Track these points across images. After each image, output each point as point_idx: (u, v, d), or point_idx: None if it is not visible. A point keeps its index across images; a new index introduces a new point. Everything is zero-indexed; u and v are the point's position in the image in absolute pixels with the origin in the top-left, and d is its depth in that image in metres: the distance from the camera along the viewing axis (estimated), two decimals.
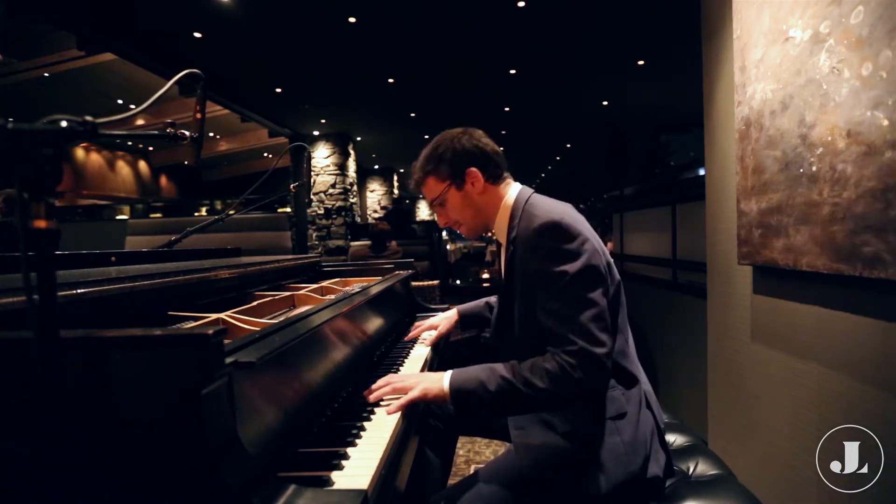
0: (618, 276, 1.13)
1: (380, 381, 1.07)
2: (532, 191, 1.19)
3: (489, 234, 1.27)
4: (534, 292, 1.05)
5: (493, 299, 1.60)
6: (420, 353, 1.46)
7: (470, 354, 1.83)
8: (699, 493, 1.04)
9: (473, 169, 1.16)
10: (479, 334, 3.50)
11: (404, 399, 1.01)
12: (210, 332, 0.58)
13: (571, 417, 1.06)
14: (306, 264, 1.99)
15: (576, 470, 1.02)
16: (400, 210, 4.78)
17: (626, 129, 9.20)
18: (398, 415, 0.97)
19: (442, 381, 1.04)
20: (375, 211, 12.34)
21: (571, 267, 1.01)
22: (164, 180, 14.17)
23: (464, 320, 1.65)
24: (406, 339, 1.61)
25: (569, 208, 1.12)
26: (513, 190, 1.20)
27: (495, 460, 1.11)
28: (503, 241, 1.19)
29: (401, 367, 1.33)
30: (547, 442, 1.06)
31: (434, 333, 1.61)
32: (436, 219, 1.28)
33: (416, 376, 1.08)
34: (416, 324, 1.66)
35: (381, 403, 1.03)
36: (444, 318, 1.64)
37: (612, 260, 1.13)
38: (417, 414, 1.07)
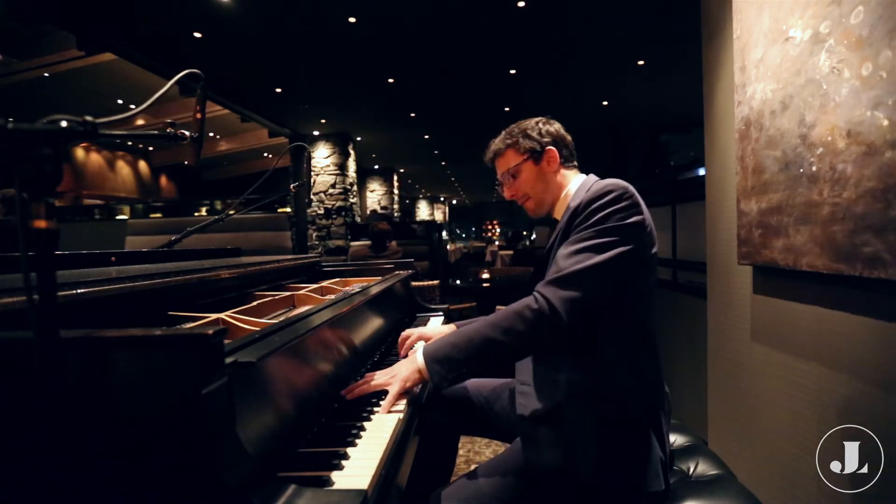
0: (656, 274, 1.15)
1: (359, 382, 1.07)
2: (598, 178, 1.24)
3: (548, 215, 1.30)
4: (568, 237, 1.09)
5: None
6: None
7: None
8: (699, 493, 1.03)
9: (553, 149, 1.24)
10: None
11: (389, 398, 1.01)
12: (210, 332, 0.58)
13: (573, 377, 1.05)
14: (306, 264, 1.99)
15: (581, 466, 1.01)
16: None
17: (626, 129, 9.22)
18: (398, 415, 0.97)
19: (416, 362, 1.06)
20: (385, 208, 12.34)
21: (618, 218, 1.05)
22: (164, 180, 14.17)
23: None
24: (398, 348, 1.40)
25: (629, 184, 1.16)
26: (580, 175, 1.27)
27: (498, 457, 1.11)
28: (560, 215, 1.23)
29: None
30: (554, 436, 1.04)
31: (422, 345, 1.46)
32: (502, 191, 1.32)
33: (392, 370, 1.08)
34: (405, 333, 1.40)
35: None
36: (438, 332, 1.39)
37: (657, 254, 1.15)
38: (418, 413, 1.07)
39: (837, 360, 1.24)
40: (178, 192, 14.51)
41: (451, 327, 1.43)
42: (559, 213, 1.24)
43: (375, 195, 12.69)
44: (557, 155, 1.25)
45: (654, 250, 1.11)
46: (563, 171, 1.27)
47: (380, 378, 1.07)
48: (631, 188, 1.10)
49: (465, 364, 1.03)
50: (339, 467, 0.75)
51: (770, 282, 1.55)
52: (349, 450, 0.81)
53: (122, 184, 12.74)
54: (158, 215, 10.32)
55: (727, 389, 1.84)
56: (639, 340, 1.09)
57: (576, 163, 1.30)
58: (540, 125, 1.27)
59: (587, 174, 1.27)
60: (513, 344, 1.01)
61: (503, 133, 1.30)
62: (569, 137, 1.30)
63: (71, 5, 4.21)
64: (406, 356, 1.29)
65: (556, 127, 1.29)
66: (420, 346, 1.09)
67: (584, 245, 1.05)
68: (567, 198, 1.23)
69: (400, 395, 1.03)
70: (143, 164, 13.46)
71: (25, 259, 0.46)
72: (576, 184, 1.24)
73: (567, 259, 1.05)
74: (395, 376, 1.05)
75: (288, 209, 8.65)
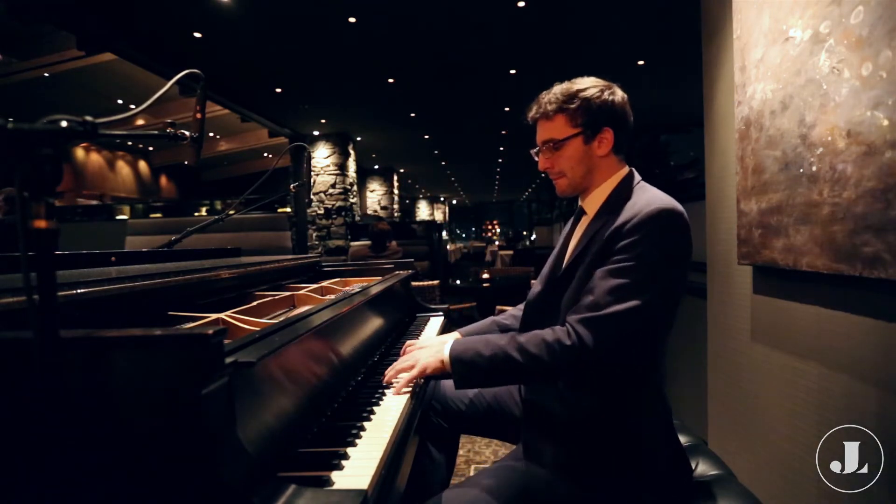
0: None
1: (390, 368, 1.14)
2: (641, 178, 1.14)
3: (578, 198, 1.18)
4: (609, 258, 0.99)
5: (499, 318, 1.46)
6: None
7: None
8: (699, 494, 1.03)
9: (610, 130, 1.09)
10: None
11: (406, 378, 1.07)
12: (210, 332, 0.58)
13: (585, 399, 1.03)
14: (306, 264, 1.99)
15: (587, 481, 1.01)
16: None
17: None
18: (398, 415, 0.97)
19: (441, 352, 1.07)
20: (375, 211, 12.35)
21: (665, 255, 0.97)
22: (164, 180, 14.18)
23: None
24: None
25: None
26: (625, 169, 1.14)
27: (500, 461, 1.10)
28: (593, 210, 1.13)
29: None
30: (560, 459, 1.03)
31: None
32: (537, 159, 1.18)
33: (413, 355, 1.13)
34: (408, 343, 1.34)
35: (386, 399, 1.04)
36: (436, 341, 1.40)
37: None
38: (418, 412, 1.07)
39: (837, 360, 1.24)
40: (178, 192, 14.51)
41: (455, 335, 1.42)
42: (591, 206, 1.14)
43: (375, 195, 12.70)
44: (613, 138, 1.09)
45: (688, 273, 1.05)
46: (613, 158, 1.12)
47: (402, 363, 1.12)
48: (684, 211, 1.01)
49: (484, 374, 1.03)
50: (339, 467, 0.75)
51: (770, 282, 1.55)
52: (349, 450, 0.81)
53: (122, 184, 12.74)
54: (158, 215, 10.31)
55: (727, 389, 1.84)
56: (653, 361, 1.05)
57: (626, 152, 1.15)
58: (605, 94, 1.09)
59: (630, 167, 1.15)
60: (535, 371, 1.00)
61: (558, 90, 1.11)
62: (631, 117, 1.13)
63: (71, 5, 4.21)
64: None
65: (620, 99, 1.11)
66: (451, 337, 1.11)
67: (629, 282, 0.95)
68: (606, 191, 1.11)
69: (415, 379, 1.07)
70: (143, 164, 13.47)
71: (25, 259, 0.46)
72: (620, 177, 1.12)
73: (608, 294, 0.95)
74: (418, 363, 1.09)
75: (288, 209, 8.65)
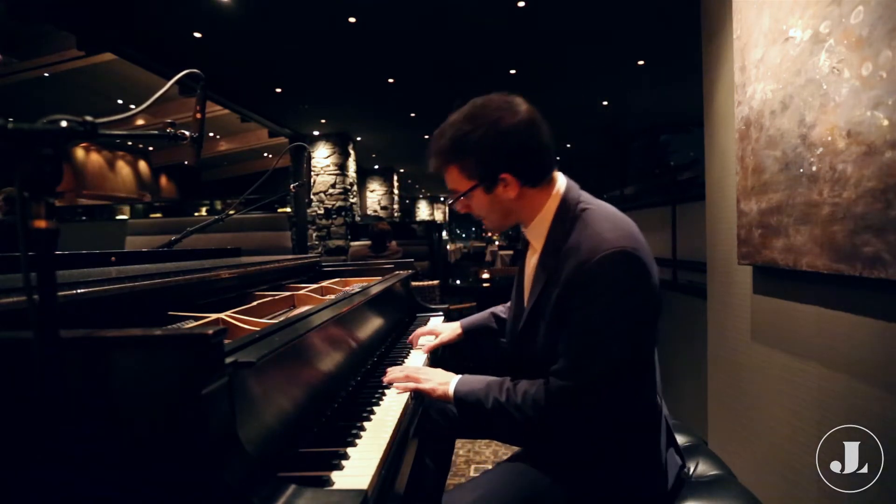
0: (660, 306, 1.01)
1: (396, 369, 1.17)
2: (578, 187, 1.03)
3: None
4: (569, 316, 0.92)
5: (498, 309, 1.51)
6: (419, 358, 1.45)
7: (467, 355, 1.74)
8: (699, 493, 1.03)
9: (508, 175, 0.96)
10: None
11: (413, 384, 1.10)
12: (210, 332, 0.58)
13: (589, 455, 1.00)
14: (306, 264, 1.99)
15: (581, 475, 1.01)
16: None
17: (627, 128, 9.22)
18: (398, 415, 0.97)
19: (448, 385, 1.09)
20: (375, 211, 12.35)
21: (626, 310, 0.89)
22: (164, 180, 14.17)
23: (469, 335, 1.52)
24: (408, 340, 1.57)
25: (633, 227, 0.95)
26: (559, 186, 1.01)
27: (500, 464, 1.10)
28: (538, 244, 1.03)
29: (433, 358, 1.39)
30: (560, 455, 1.03)
31: (433, 339, 1.51)
32: (454, 204, 1.09)
33: (430, 372, 1.15)
34: (417, 332, 1.57)
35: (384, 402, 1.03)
36: (448, 328, 1.54)
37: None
38: (418, 413, 1.07)
39: (837, 360, 1.24)
40: (178, 192, 14.51)
41: (457, 326, 1.54)
42: (535, 237, 1.04)
43: (375, 195, 12.69)
44: (516, 181, 0.97)
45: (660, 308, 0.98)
46: (532, 192, 1.00)
47: (418, 372, 1.14)
48: (638, 248, 0.90)
49: (482, 419, 1.04)
50: (339, 467, 0.75)
51: (770, 282, 1.55)
52: (349, 450, 0.81)
53: (122, 184, 12.74)
54: (158, 215, 10.31)
55: (727, 389, 1.84)
56: (639, 391, 1.01)
57: (551, 170, 1.01)
58: (492, 130, 0.95)
59: (566, 178, 1.04)
60: (525, 432, 1.00)
61: (448, 132, 0.99)
62: (541, 138, 0.98)
63: (71, 5, 4.21)
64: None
65: (518, 122, 0.95)
66: (456, 379, 1.09)
67: (596, 340, 0.89)
68: (546, 220, 1.01)
69: (420, 391, 1.10)
70: (143, 164, 13.46)
71: (25, 259, 0.46)
72: (555, 198, 1.01)
73: (581, 358, 0.90)
74: (430, 381, 1.11)
75: (288, 209, 8.65)
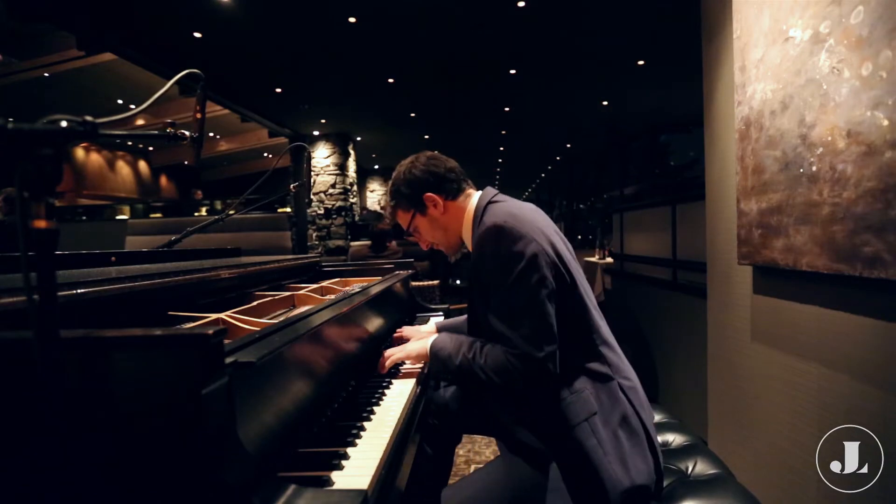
0: (581, 278, 1.16)
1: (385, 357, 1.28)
2: (494, 192, 1.24)
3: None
4: (486, 294, 1.10)
5: None
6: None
7: None
8: (698, 493, 1.03)
9: (429, 194, 1.24)
10: None
11: (392, 357, 1.24)
12: (210, 332, 0.58)
13: (545, 422, 1.08)
14: (306, 264, 1.99)
15: (566, 478, 1.02)
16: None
17: (626, 129, 9.22)
18: (398, 415, 0.97)
19: (425, 345, 1.23)
20: (374, 211, 12.35)
21: (513, 270, 1.04)
22: (164, 180, 14.17)
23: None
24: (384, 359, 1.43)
25: (520, 209, 1.14)
26: (473, 199, 1.26)
27: (496, 459, 1.12)
28: (471, 248, 1.24)
29: (400, 368, 1.34)
30: (532, 450, 1.09)
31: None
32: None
33: (405, 346, 1.29)
34: (397, 332, 1.53)
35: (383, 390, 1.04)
36: (427, 331, 1.50)
37: (571, 259, 1.16)
38: (418, 412, 1.07)
39: (838, 360, 1.24)
40: (178, 192, 14.51)
41: (431, 326, 1.58)
42: (469, 241, 1.26)
43: (375, 195, 12.70)
44: (438, 197, 1.25)
45: (557, 260, 1.09)
46: (454, 204, 1.26)
47: (395, 353, 1.26)
48: (508, 220, 1.08)
49: (452, 374, 1.18)
50: (339, 467, 0.75)
51: (770, 282, 1.55)
52: (349, 450, 0.81)
53: (123, 184, 12.74)
54: (158, 215, 10.32)
55: (727, 389, 1.84)
56: (585, 341, 1.11)
57: (466, 186, 1.28)
58: (406, 174, 1.26)
59: (477, 190, 1.28)
60: (492, 386, 1.08)
61: (387, 194, 1.33)
62: (446, 165, 1.28)
63: (71, 5, 4.21)
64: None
65: (424, 166, 1.26)
66: (434, 336, 1.24)
67: (506, 304, 1.05)
68: (469, 224, 1.24)
69: (400, 361, 1.26)
70: (143, 164, 13.46)
71: (25, 259, 0.46)
72: (471, 206, 1.24)
73: (508, 325, 1.04)
74: (403, 349, 1.27)
75: (288, 209, 8.65)
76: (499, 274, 1.05)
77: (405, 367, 1.33)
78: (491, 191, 1.26)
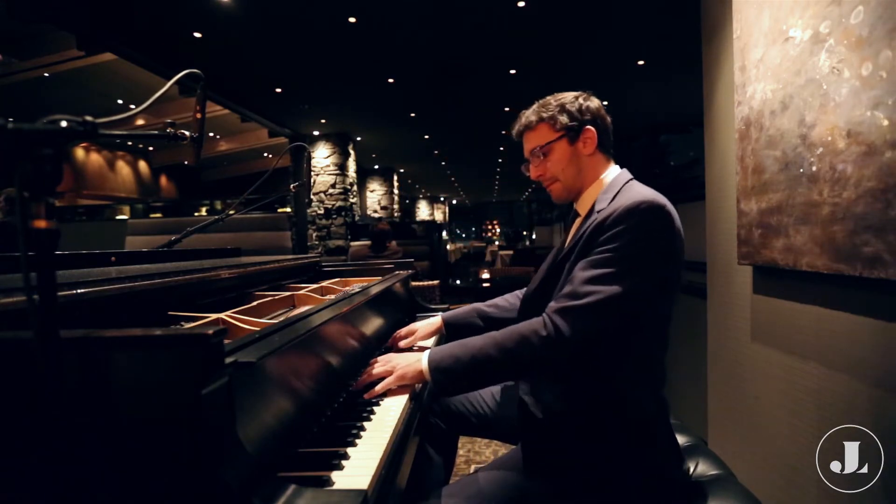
0: (678, 289, 1.08)
1: (364, 373, 1.11)
2: (631, 176, 1.15)
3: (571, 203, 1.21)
4: (590, 251, 1.01)
5: (481, 306, 1.48)
6: None
7: None
8: (699, 494, 1.03)
9: (591, 128, 1.14)
10: None
11: (380, 386, 1.05)
12: (210, 332, 0.58)
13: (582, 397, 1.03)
14: (306, 264, 1.99)
15: (588, 487, 1.01)
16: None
17: (626, 129, 9.21)
18: (398, 415, 0.97)
19: (420, 361, 1.07)
20: (376, 211, 12.35)
21: (645, 245, 0.97)
22: (164, 180, 14.17)
23: (450, 329, 1.46)
24: (388, 343, 1.44)
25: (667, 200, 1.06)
26: (615, 167, 1.17)
27: (498, 459, 1.11)
28: (584, 211, 1.15)
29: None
30: (559, 457, 1.03)
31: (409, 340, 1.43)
32: (527, 169, 1.22)
33: (394, 358, 1.11)
34: (397, 334, 1.45)
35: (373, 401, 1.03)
36: (425, 323, 1.46)
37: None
38: (418, 412, 1.07)
39: (837, 360, 1.24)
40: (178, 192, 14.51)
41: (437, 320, 1.47)
42: (584, 206, 1.16)
43: (375, 195, 12.70)
44: (596, 136, 1.14)
45: (681, 268, 1.04)
46: (600, 157, 1.16)
47: (378, 368, 1.10)
48: (667, 204, 1.01)
49: (465, 378, 1.04)
50: (339, 467, 0.75)
51: (770, 282, 1.55)
52: (349, 450, 0.81)
53: (123, 184, 12.73)
54: (158, 215, 10.32)
55: (727, 389, 1.84)
56: (648, 353, 1.05)
57: (612, 151, 1.19)
58: (580, 100, 1.15)
59: (621, 167, 1.18)
60: (515, 366, 1.01)
61: (536, 104, 1.18)
62: (608, 119, 1.19)
63: (71, 5, 4.21)
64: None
65: (596, 104, 1.17)
66: (427, 351, 1.09)
67: (607, 271, 0.96)
68: (597, 190, 1.14)
69: (393, 387, 1.06)
70: (143, 164, 13.46)
71: (25, 259, 0.46)
72: (610, 176, 1.15)
73: (586, 284, 0.97)
74: (395, 370, 1.08)
75: (288, 209, 8.65)
76: (630, 238, 0.96)
77: (416, 348, 1.31)
78: (627, 172, 1.17)
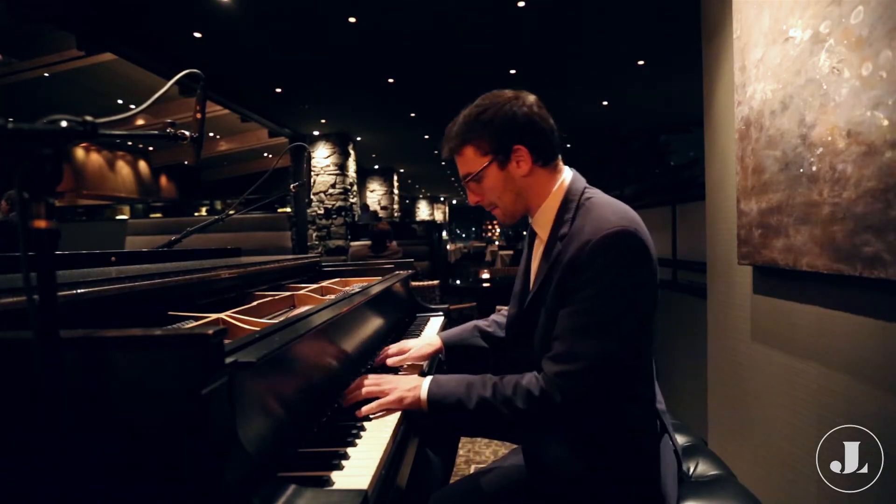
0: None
1: (354, 384, 1.03)
2: (584, 180, 1.06)
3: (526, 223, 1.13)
4: (569, 298, 0.93)
5: (480, 324, 1.39)
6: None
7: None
8: (699, 494, 1.03)
9: (521, 147, 1.00)
10: None
11: (376, 404, 0.97)
12: (210, 332, 0.58)
13: (584, 450, 0.98)
14: (306, 264, 1.99)
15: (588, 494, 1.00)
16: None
17: (626, 129, 9.22)
18: (398, 415, 0.97)
19: (419, 390, 1.00)
20: (376, 211, 12.35)
21: (626, 289, 0.90)
22: (164, 180, 14.17)
23: (452, 352, 1.36)
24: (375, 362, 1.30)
25: (634, 214, 0.97)
26: (565, 176, 1.05)
27: (499, 461, 1.11)
28: (544, 234, 1.04)
29: (399, 369, 1.31)
30: (560, 464, 1.00)
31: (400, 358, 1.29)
32: (466, 196, 1.10)
33: (393, 380, 1.03)
34: (384, 349, 1.31)
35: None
36: (421, 343, 1.33)
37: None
38: (417, 413, 1.07)
39: (837, 360, 1.24)
40: (178, 192, 14.50)
41: (437, 340, 1.35)
42: (542, 226, 1.06)
43: (375, 195, 12.70)
44: (528, 154, 1.00)
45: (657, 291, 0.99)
46: (541, 172, 1.03)
47: (372, 387, 1.01)
48: (639, 228, 0.93)
49: (465, 422, 1.04)
50: (339, 467, 0.75)
51: (770, 282, 1.55)
52: (349, 450, 0.81)
53: (123, 184, 12.73)
54: (158, 215, 10.32)
55: (727, 389, 1.84)
56: (638, 376, 1.01)
57: (558, 157, 1.05)
58: (507, 107, 1.00)
59: (573, 169, 1.07)
60: (513, 419, 0.96)
61: (462, 117, 1.04)
62: (548, 121, 1.03)
63: (71, 5, 4.21)
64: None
65: (526, 108, 1.00)
66: (428, 380, 1.01)
67: (593, 321, 0.90)
68: (552, 207, 1.03)
69: (389, 407, 0.98)
70: (143, 164, 13.46)
71: (25, 259, 0.46)
72: (562, 188, 1.03)
73: (576, 340, 0.91)
74: (394, 391, 1.00)
75: (288, 209, 8.65)
76: (608, 288, 0.89)
77: (406, 366, 1.31)
78: (579, 175, 1.06)
